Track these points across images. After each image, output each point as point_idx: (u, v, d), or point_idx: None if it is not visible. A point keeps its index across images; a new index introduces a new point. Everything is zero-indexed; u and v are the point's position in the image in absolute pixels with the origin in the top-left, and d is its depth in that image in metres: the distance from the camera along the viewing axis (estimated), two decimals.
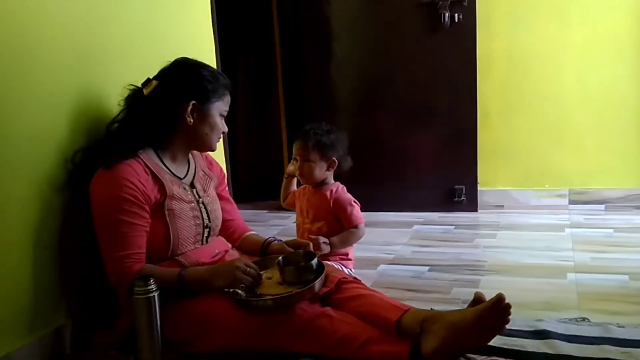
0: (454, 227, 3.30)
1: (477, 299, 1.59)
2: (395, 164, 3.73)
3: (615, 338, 1.72)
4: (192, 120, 1.84)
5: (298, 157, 2.35)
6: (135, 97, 1.87)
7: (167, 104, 1.82)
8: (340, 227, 2.35)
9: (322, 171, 2.35)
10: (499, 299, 1.50)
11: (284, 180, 2.55)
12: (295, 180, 2.53)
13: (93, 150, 1.84)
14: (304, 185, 2.46)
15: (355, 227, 2.35)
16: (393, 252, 2.86)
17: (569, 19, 3.54)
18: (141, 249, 1.73)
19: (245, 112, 4.36)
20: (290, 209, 2.59)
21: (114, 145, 1.80)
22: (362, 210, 2.39)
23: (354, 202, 2.38)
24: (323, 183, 2.38)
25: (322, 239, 2.27)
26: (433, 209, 3.64)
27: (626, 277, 2.31)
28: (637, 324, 1.84)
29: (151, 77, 1.86)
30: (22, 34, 1.66)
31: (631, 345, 1.67)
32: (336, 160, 2.35)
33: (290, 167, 2.46)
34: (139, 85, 1.87)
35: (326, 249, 2.27)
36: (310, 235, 2.29)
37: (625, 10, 3.45)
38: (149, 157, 1.83)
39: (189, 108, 1.83)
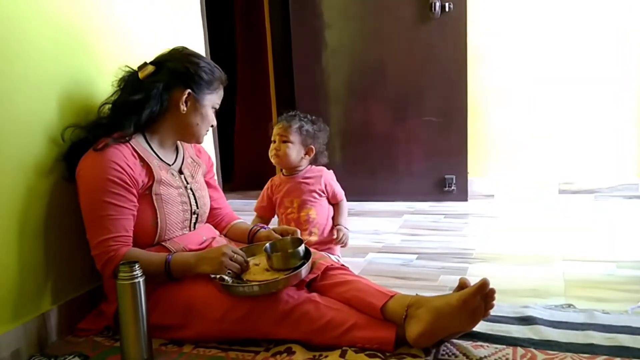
0: (443, 216, 3.31)
1: (462, 285, 1.60)
2: (385, 154, 3.73)
3: (600, 324, 1.73)
4: (185, 109, 1.84)
5: (277, 138, 2.35)
6: (129, 79, 1.86)
7: (162, 88, 1.80)
8: (326, 207, 2.38)
9: (298, 156, 2.35)
10: (483, 283, 1.51)
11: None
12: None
13: (84, 131, 1.83)
14: (270, 181, 2.46)
15: (342, 200, 2.43)
16: (382, 241, 2.86)
17: (561, 9, 3.54)
18: (128, 232, 1.73)
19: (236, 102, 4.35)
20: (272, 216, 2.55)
21: (104, 128, 1.80)
22: (354, 200, 2.43)
23: (333, 174, 2.44)
24: (296, 170, 2.39)
25: (342, 229, 2.33)
26: (423, 198, 3.65)
27: (613, 265, 2.32)
28: (622, 311, 1.85)
29: (148, 62, 1.85)
30: (7, 19, 1.64)
31: (615, 331, 1.68)
32: (314, 149, 2.36)
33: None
34: (135, 68, 1.86)
35: (348, 234, 2.35)
36: (337, 229, 2.35)
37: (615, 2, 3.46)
38: (138, 141, 1.83)
39: (184, 96, 1.82)
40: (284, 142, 2.33)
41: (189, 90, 1.83)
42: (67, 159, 1.81)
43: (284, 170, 2.43)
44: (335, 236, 2.35)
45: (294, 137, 2.32)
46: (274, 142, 2.36)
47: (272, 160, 2.39)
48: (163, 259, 1.72)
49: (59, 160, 1.81)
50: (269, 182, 2.48)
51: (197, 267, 1.72)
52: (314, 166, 2.43)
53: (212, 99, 1.90)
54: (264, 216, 2.49)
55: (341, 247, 2.38)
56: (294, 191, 2.38)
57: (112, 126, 1.80)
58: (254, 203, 2.53)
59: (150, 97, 1.79)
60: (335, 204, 2.42)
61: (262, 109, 4.26)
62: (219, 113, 1.98)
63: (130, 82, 1.85)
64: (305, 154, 2.37)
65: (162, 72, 1.83)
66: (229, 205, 2.22)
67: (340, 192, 2.42)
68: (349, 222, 2.45)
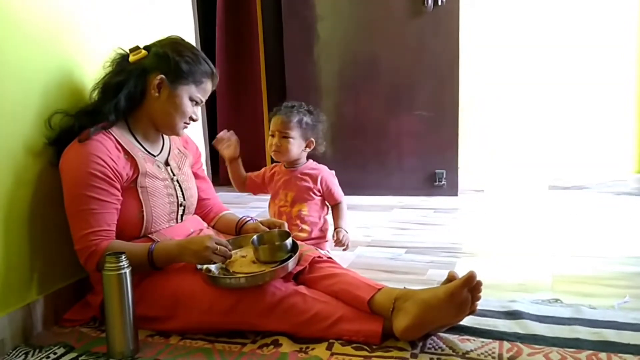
0: (433, 210, 3.31)
1: (451, 278, 1.60)
2: (376, 147, 3.73)
3: (586, 319, 1.73)
4: (157, 94, 1.80)
5: (276, 133, 2.31)
6: (118, 61, 1.84)
7: (140, 71, 1.78)
8: (320, 205, 2.35)
9: (299, 149, 2.33)
10: (470, 276, 1.51)
11: (228, 166, 2.42)
12: (240, 161, 2.42)
13: (72, 119, 1.80)
14: (273, 166, 2.43)
15: (340, 202, 2.39)
16: (371, 235, 2.86)
17: (553, 7, 3.54)
18: (110, 226, 1.71)
19: (226, 93, 4.32)
20: (250, 193, 2.53)
21: (89, 115, 1.77)
22: (343, 193, 2.42)
23: (333, 176, 2.40)
24: (296, 162, 2.37)
25: (342, 232, 2.29)
26: (414, 192, 3.66)
27: (601, 260, 2.33)
28: (609, 306, 1.86)
29: (141, 46, 1.84)
30: None
31: (601, 326, 1.69)
32: (314, 141, 2.34)
33: (228, 151, 2.36)
34: (128, 50, 1.84)
35: (348, 237, 2.31)
36: (337, 231, 2.30)
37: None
38: (121, 133, 1.80)
39: (156, 81, 1.78)
40: (284, 137, 2.29)
41: (161, 76, 1.78)
42: (56, 144, 1.78)
43: (284, 163, 2.40)
44: (335, 238, 2.29)
45: (295, 132, 2.29)
46: (273, 136, 2.31)
47: (273, 156, 2.35)
48: (146, 249, 1.71)
49: (46, 146, 1.79)
50: (271, 169, 2.43)
51: (180, 257, 1.71)
52: (313, 162, 2.41)
53: (190, 91, 1.83)
54: (249, 185, 2.45)
55: (342, 250, 2.33)
56: (290, 185, 2.36)
57: (95, 113, 1.77)
58: (243, 195, 2.51)
59: (129, 79, 1.77)
60: (334, 205, 2.39)
61: (253, 101, 4.24)
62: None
63: (118, 64, 1.83)
64: (305, 147, 2.35)
65: (148, 56, 1.81)
66: (217, 196, 2.21)
67: (338, 194, 2.38)
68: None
